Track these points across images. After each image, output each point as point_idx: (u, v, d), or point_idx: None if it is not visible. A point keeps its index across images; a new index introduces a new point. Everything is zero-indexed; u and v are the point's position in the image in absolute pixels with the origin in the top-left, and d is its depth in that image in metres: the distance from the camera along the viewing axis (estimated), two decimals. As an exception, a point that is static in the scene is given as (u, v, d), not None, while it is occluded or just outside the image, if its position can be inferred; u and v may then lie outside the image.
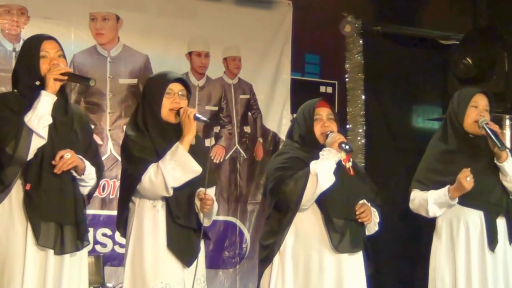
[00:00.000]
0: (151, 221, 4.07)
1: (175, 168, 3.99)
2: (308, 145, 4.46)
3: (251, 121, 6.73)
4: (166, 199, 4.05)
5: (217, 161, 6.53)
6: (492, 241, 4.78)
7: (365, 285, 4.47)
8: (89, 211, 5.89)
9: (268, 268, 4.39)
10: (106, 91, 6.14)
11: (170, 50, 6.40)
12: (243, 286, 6.47)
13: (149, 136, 4.07)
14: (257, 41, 6.74)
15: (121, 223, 4.19)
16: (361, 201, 4.42)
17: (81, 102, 6.05)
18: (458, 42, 6.88)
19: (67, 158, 3.84)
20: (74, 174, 3.93)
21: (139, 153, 4.03)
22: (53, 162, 3.85)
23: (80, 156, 3.94)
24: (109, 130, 6.06)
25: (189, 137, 4.05)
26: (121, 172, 4.22)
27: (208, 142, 6.44)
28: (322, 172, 4.27)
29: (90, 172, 4.00)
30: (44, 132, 3.80)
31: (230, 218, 6.53)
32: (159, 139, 4.07)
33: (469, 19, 7.37)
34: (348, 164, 4.42)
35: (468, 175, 4.69)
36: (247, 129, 6.70)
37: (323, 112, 4.48)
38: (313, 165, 4.30)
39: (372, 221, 4.44)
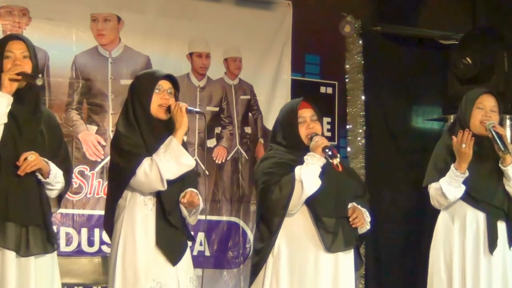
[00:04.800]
0: (142, 219, 4.07)
1: (170, 160, 4.01)
2: (294, 147, 4.43)
3: (252, 121, 6.73)
4: (157, 196, 4.06)
5: (219, 162, 6.53)
6: (492, 244, 4.77)
7: (354, 284, 4.47)
8: (95, 212, 5.92)
9: (261, 272, 4.41)
10: (108, 92, 6.12)
11: (171, 51, 6.38)
12: (247, 285, 6.46)
13: (139, 132, 4.09)
14: (257, 42, 6.73)
15: (110, 221, 4.16)
16: (350, 205, 4.41)
17: (84, 103, 6.05)
18: (458, 42, 6.89)
19: (31, 160, 3.81)
20: (40, 177, 3.90)
21: (131, 148, 4.04)
22: (17, 163, 3.81)
23: (45, 159, 3.90)
24: (112, 131, 6.03)
25: (182, 130, 4.07)
26: (111, 168, 4.19)
27: (210, 143, 6.47)
28: (307, 178, 4.26)
29: (56, 175, 3.96)
30: None
31: (233, 219, 6.52)
32: (149, 135, 4.09)
33: (469, 19, 7.39)
34: (336, 161, 4.31)
35: (460, 143, 4.63)
36: (248, 129, 6.70)
37: (307, 114, 4.46)
38: (298, 171, 4.28)
39: (365, 223, 4.43)
